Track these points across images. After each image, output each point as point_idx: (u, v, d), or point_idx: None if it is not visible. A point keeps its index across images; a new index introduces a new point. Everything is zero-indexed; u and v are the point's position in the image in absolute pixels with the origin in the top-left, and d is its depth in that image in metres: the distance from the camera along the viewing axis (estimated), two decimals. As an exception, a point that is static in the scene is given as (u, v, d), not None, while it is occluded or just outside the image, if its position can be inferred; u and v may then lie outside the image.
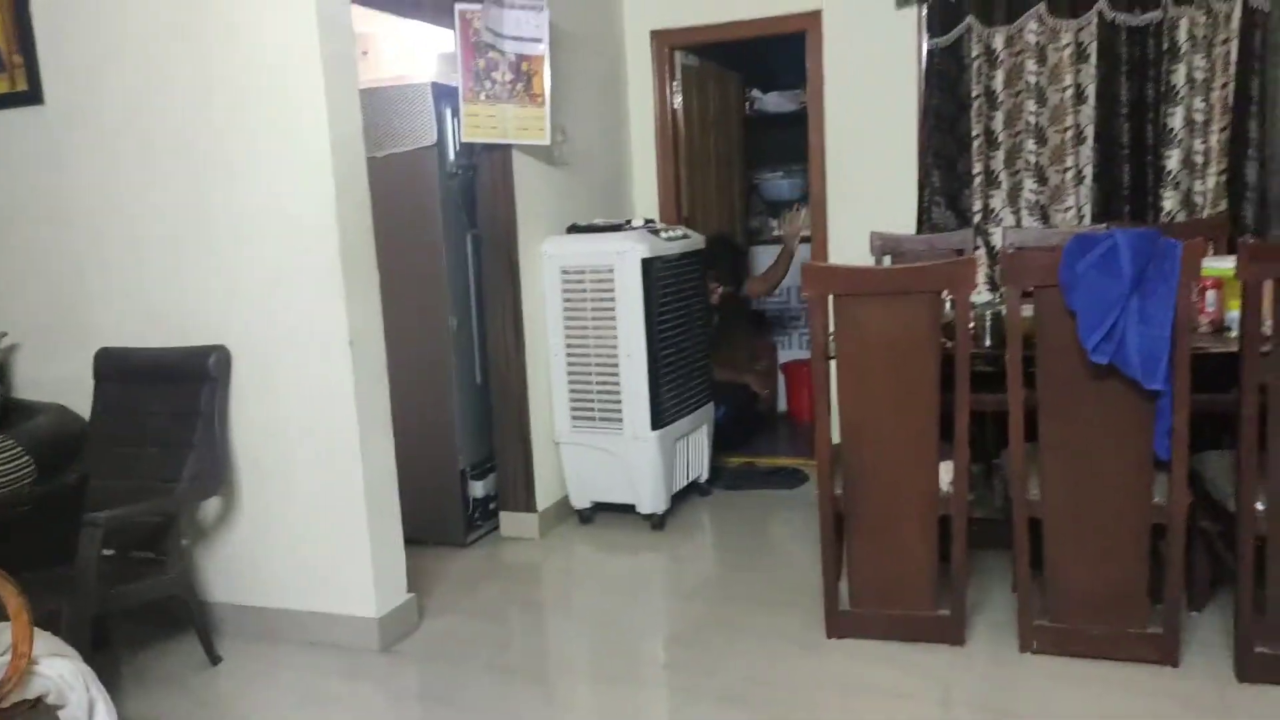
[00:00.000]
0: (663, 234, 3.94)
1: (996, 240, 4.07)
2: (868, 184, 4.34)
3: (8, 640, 1.65)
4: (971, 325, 2.95)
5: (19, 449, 2.82)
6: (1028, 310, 2.50)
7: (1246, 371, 2.27)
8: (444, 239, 3.57)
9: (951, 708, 2.36)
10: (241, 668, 2.84)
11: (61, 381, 3.12)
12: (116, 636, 3.03)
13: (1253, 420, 2.29)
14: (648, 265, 3.72)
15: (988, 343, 2.93)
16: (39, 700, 1.67)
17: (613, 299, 3.73)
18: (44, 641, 1.76)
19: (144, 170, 2.97)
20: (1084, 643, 2.53)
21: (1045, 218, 4.07)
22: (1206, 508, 2.63)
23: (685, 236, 4.10)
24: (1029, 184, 4.06)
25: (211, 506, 3.03)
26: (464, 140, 3.51)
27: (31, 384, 3.20)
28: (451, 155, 3.60)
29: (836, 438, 2.73)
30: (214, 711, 2.64)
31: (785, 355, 5.86)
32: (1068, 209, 4.02)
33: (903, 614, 2.71)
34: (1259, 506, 2.33)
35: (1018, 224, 4.08)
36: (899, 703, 2.41)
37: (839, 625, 2.76)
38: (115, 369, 3.00)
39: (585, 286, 3.79)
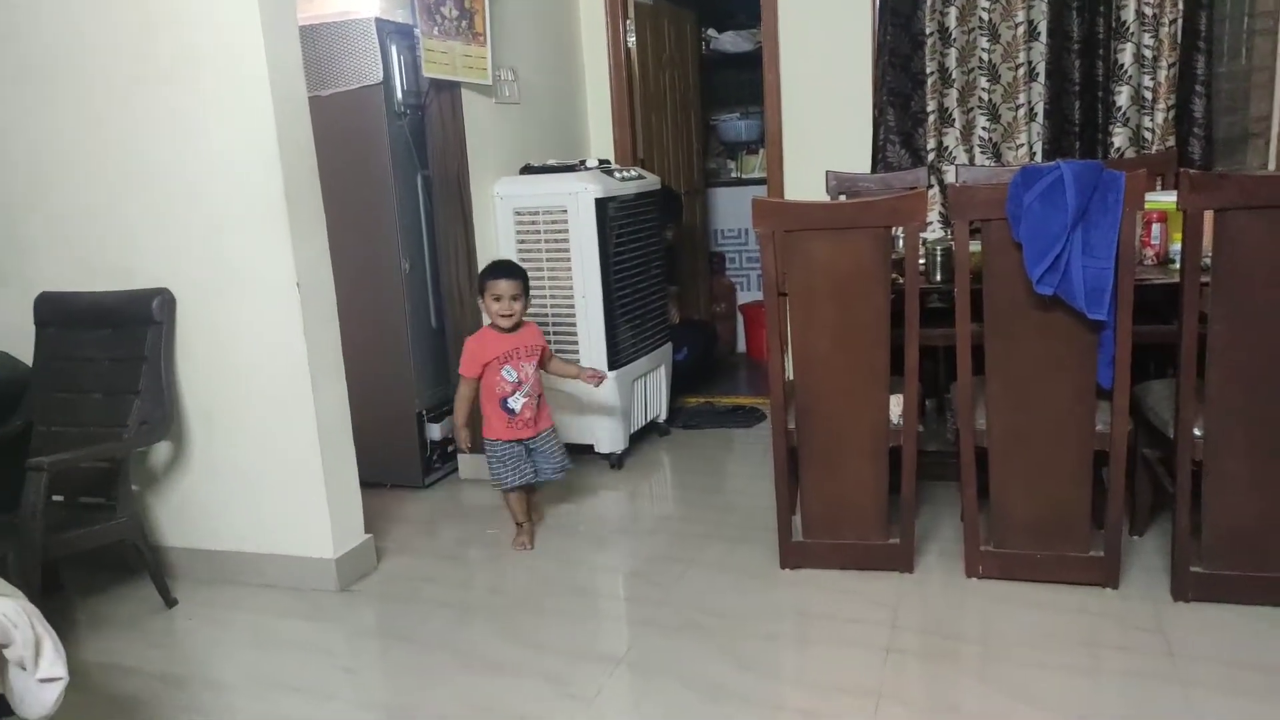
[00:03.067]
0: (617, 174, 3.91)
1: (950, 178, 4.09)
2: (823, 124, 4.33)
3: None
4: (922, 261, 2.99)
5: (-41, 396, 2.77)
6: (978, 246, 2.53)
7: (1186, 301, 2.32)
8: (394, 180, 3.51)
9: (899, 631, 2.43)
10: (197, 610, 2.84)
11: (3, 327, 3.04)
12: (71, 582, 3.01)
13: (1191, 349, 2.34)
14: (602, 205, 3.69)
15: (938, 278, 2.96)
16: None
17: (567, 240, 3.71)
18: (-14, 581, 1.73)
19: (79, 111, 2.87)
20: (1027, 567, 2.61)
21: (998, 156, 4.09)
22: (1148, 435, 2.70)
23: (640, 177, 4.07)
24: (982, 122, 4.07)
25: (161, 451, 3.00)
26: (425, 75, 3.42)
27: (-31, 330, 3.12)
28: (399, 94, 3.52)
29: (791, 373, 2.76)
30: (170, 653, 2.64)
31: (745, 297, 5.88)
32: (1020, 146, 4.04)
33: (854, 543, 2.77)
34: (1197, 433, 2.39)
35: (971, 162, 4.10)
36: (849, 627, 2.47)
37: (792, 556, 2.81)
38: (56, 314, 2.93)
39: (539, 227, 3.76)
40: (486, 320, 3.11)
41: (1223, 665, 2.17)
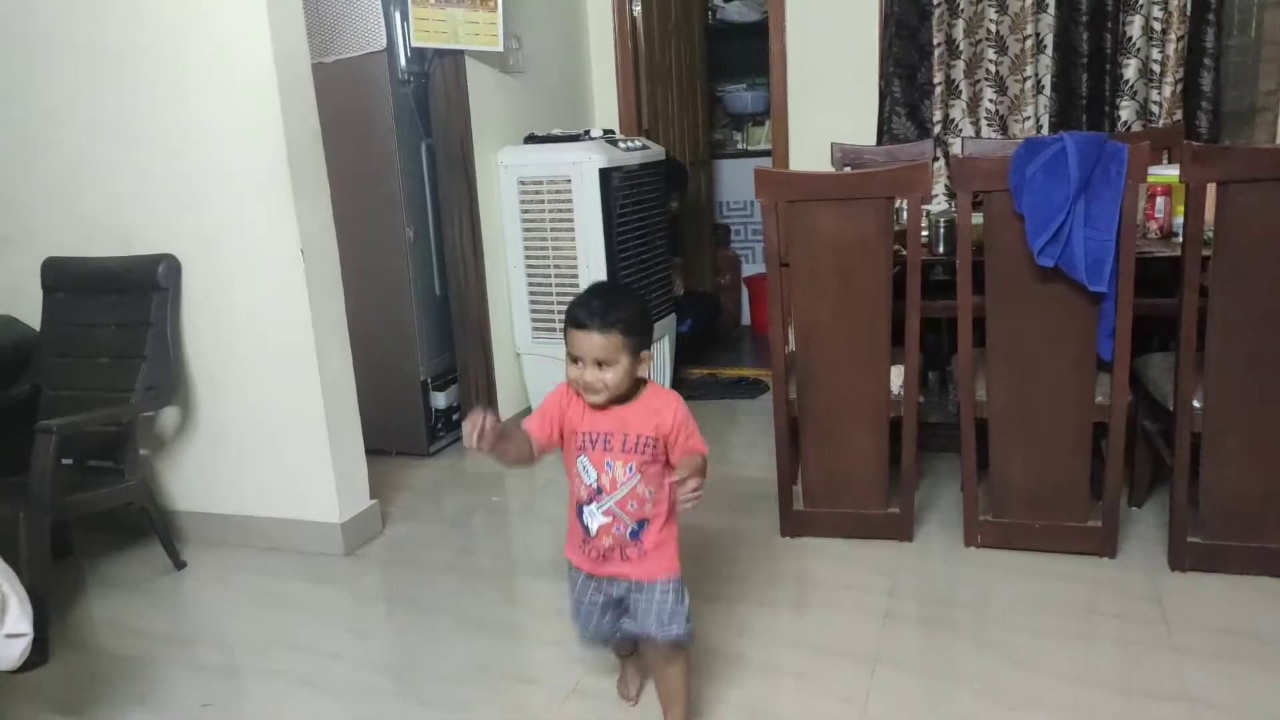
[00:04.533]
0: (621, 145, 3.90)
1: (956, 151, 4.07)
2: (829, 95, 4.31)
3: None
4: (925, 233, 2.99)
5: (-32, 360, 2.79)
6: (981, 218, 2.53)
7: (1187, 273, 2.32)
8: (397, 148, 3.51)
9: (897, 598, 2.46)
10: (206, 572, 2.88)
11: (11, 292, 3.07)
12: (81, 545, 3.05)
13: (1191, 321, 2.35)
14: (606, 176, 3.69)
15: (941, 249, 2.96)
16: None
17: (571, 210, 3.71)
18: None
19: (82, 75, 2.88)
20: (1026, 536, 2.63)
21: (1004, 128, 4.08)
22: (1147, 407, 2.71)
23: (645, 148, 4.07)
24: (989, 94, 4.05)
25: (169, 416, 3.02)
26: (414, 45, 3.42)
27: (-24, 295, 3.15)
28: (403, 62, 3.51)
29: (793, 344, 2.77)
30: (178, 614, 2.68)
31: (749, 269, 5.88)
32: (1026, 119, 4.02)
33: (854, 513, 2.79)
34: (1196, 405, 2.41)
35: (977, 134, 4.08)
36: (848, 593, 2.50)
37: (793, 524, 2.84)
38: (63, 279, 2.95)
39: (543, 197, 3.76)
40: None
41: (1217, 633, 2.20)
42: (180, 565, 2.88)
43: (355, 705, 2.17)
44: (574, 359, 1.72)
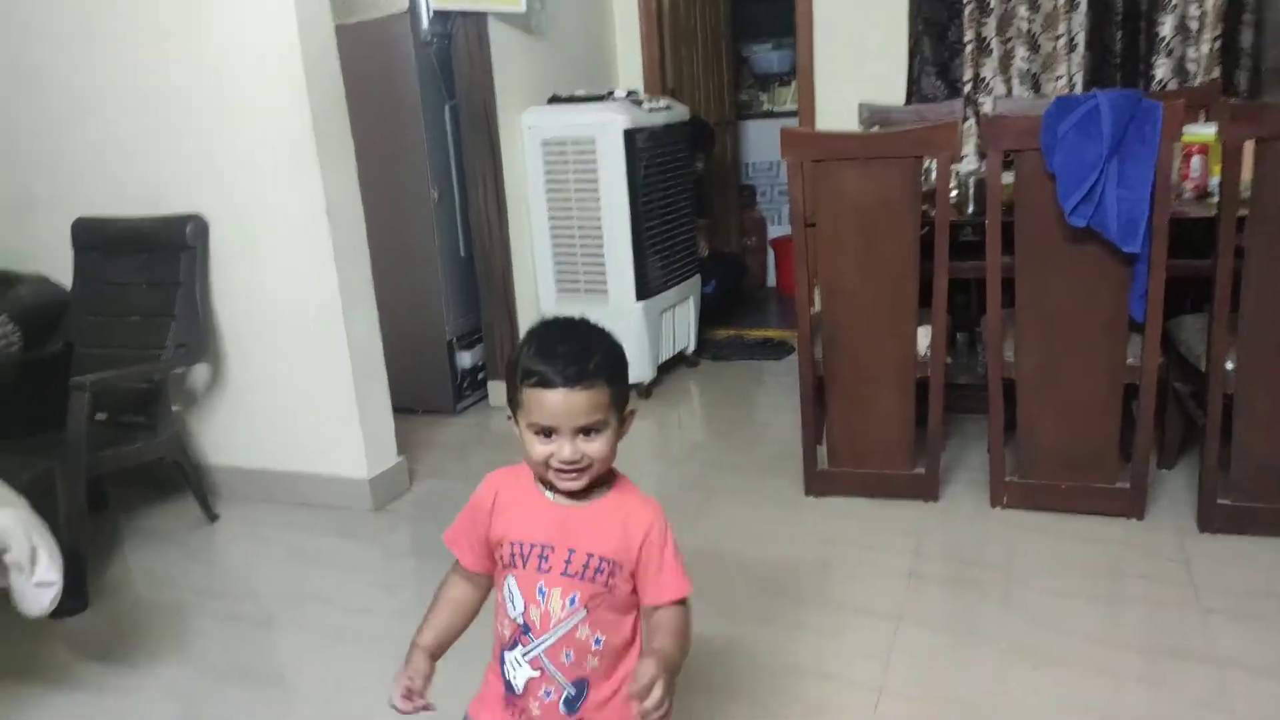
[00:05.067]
0: (646, 105, 3.87)
1: (987, 110, 4.01)
2: (857, 54, 4.24)
3: None
4: (955, 193, 2.95)
5: (4, 316, 2.84)
6: (1012, 178, 2.50)
7: (1222, 233, 2.28)
8: (421, 110, 3.51)
9: (922, 557, 2.46)
10: (238, 526, 2.93)
11: (40, 251, 3.10)
12: (116, 499, 3.11)
13: (1226, 281, 2.31)
14: (630, 137, 3.66)
15: (970, 210, 2.93)
16: None
17: (595, 171, 3.69)
18: (-11, 492, 1.83)
19: (110, 40, 2.88)
20: (1053, 497, 2.62)
21: (1036, 87, 4.01)
22: (1179, 369, 2.68)
23: (669, 108, 4.03)
24: (1021, 52, 3.97)
25: (200, 374, 3.06)
26: (436, 7, 3.39)
27: (9, 253, 3.18)
28: (425, 23, 3.49)
29: (819, 305, 2.76)
30: (212, 565, 2.73)
31: (775, 230, 5.85)
32: (1059, 78, 3.95)
33: (879, 473, 2.79)
34: (1229, 366, 2.38)
35: (1008, 93, 4.02)
36: (871, 553, 2.51)
37: (817, 484, 2.85)
38: (93, 239, 2.98)
39: (567, 158, 3.74)
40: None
41: (1244, 595, 2.19)
42: (213, 518, 2.93)
43: (384, 657, 2.20)
44: (543, 432, 1.20)
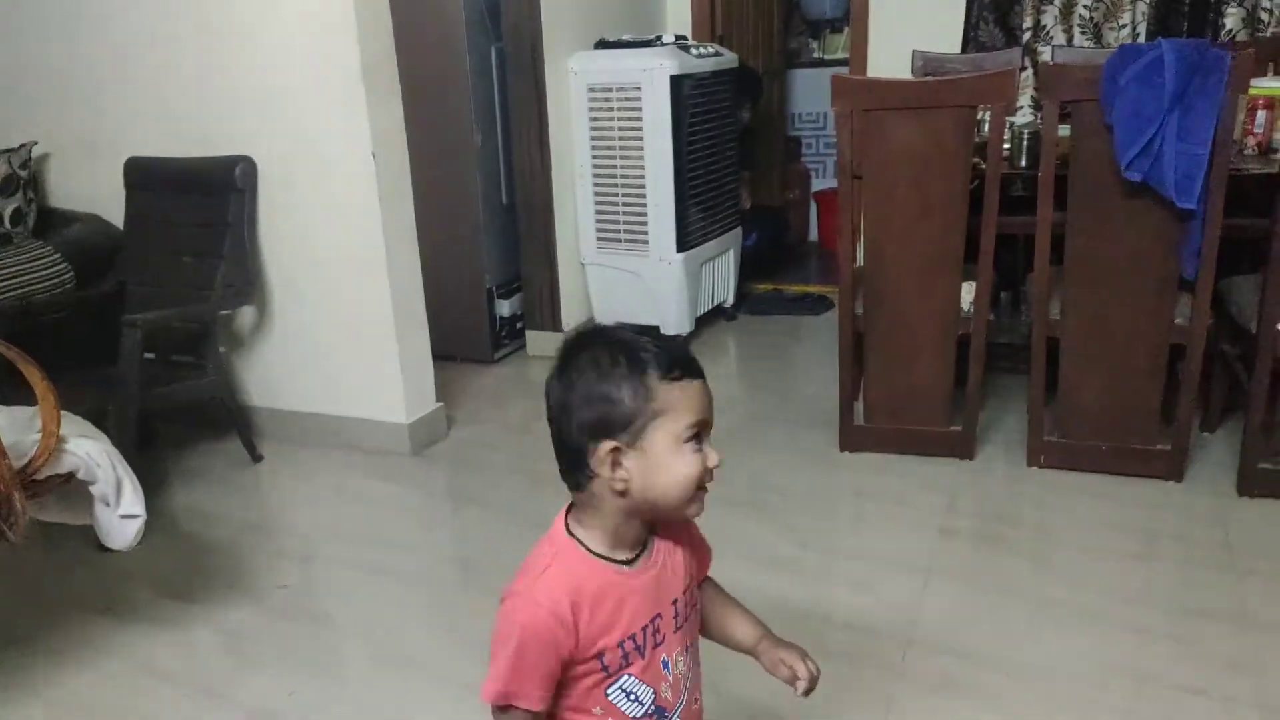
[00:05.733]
0: (693, 51, 3.81)
1: (1046, 59, 3.89)
2: (912, 0, 4.13)
3: (39, 422, 1.76)
4: (1007, 145, 2.88)
5: (58, 255, 2.91)
6: (1068, 130, 2.43)
7: (1284, 190, 2.21)
8: (467, 51, 3.49)
9: (955, 514, 2.46)
10: (281, 466, 3.00)
11: (93, 191, 3.17)
12: (164, 437, 3.20)
13: (1284, 240, 2.24)
14: (677, 83, 3.62)
15: (1022, 163, 2.86)
16: (70, 476, 1.80)
17: (640, 118, 3.66)
18: (73, 424, 1.87)
19: (161, -25, 2.91)
20: (1091, 458, 2.59)
21: (1098, 36, 3.88)
22: (1228, 331, 2.62)
23: (718, 54, 3.97)
24: (1083, -1, 3.84)
25: (246, 316, 3.12)
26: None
27: (64, 193, 3.25)
28: (473, -38, 3.46)
29: (861, 259, 2.73)
30: (256, 504, 2.81)
31: (819, 184, 5.76)
32: (1123, 26, 3.81)
33: (915, 429, 2.77)
34: (1280, 328, 2.32)
35: (1069, 43, 3.89)
36: (905, 508, 2.51)
37: (853, 439, 2.84)
38: (144, 178, 3.03)
39: (613, 104, 3.71)
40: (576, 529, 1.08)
41: (1282, 560, 2.16)
42: (257, 459, 3.01)
43: (426, 593, 2.27)
44: (695, 438, 0.99)
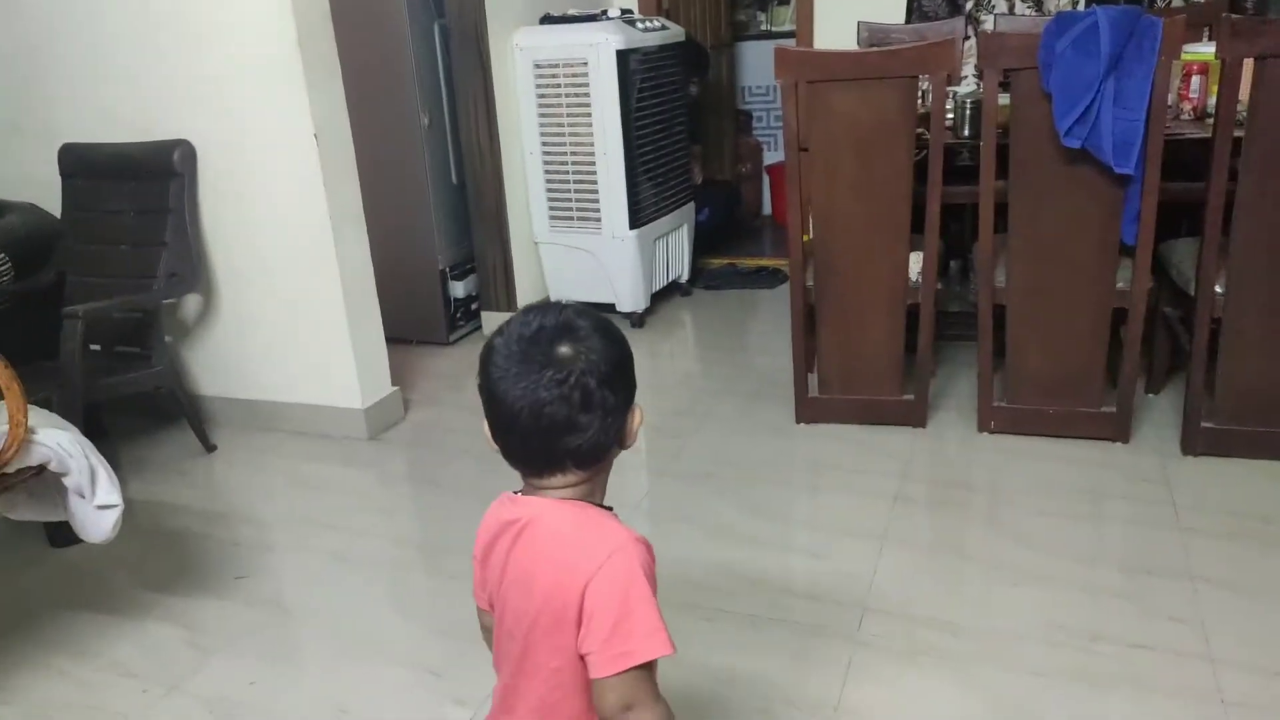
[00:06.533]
0: (640, 25, 3.79)
1: (988, 28, 3.93)
2: (857, -29, 4.14)
3: (4, 414, 1.71)
4: (950, 115, 2.92)
5: (-7, 247, 2.83)
6: (1008, 100, 2.46)
7: (1217, 153, 2.26)
8: (409, 29, 3.43)
9: (908, 481, 2.50)
10: (235, 455, 2.97)
11: (29, 179, 3.07)
12: (114, 428, 3.14)
13: (1218, 203, 2.30)
14: (624, 58, 3.60)
15: (966, 132, 2.89)
16: (41, 468, 1.75)
17: (588, 93, 3.64)
18: (41, 415, 1.83)
19: (88, -47, 2.82)
20: (1040, 421, 2.65)
21: (1039, 5, 3.93)
22: (1169, 293, 2.69)
23: (664, 28, 3.95)
24: (1023, -32, 3.88)
25: (192, 304, 3.07)
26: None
27: (-2, 182, 3.16)
28: (414, -63, 3.40)
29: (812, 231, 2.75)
30: (211, 493, 2.78)
31: (771, 157, 5.78)
32: (1062, -5, 3.87)
33: (868, 399, 2.81)
34: (1218, 290, 2.38)
35: (1010, 11, 3.94)
36: (859, 477, 2.55)
37: (808, 410, 2.87)
38: (81, 165, 2.95)
39: (559, 80, 3.68)
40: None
41: (1224, 515, 2.23)
42: (210, 448, 2.97)
43: (384, 578, 2.26)
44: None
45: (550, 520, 1.01)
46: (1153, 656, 1.78)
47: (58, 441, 1.75)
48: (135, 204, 2.85)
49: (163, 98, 2.86)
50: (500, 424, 1.00)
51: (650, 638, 0.96)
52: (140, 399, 3.01)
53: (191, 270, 2.87)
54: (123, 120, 2.92)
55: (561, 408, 0.96)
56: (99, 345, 2.83)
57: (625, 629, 0.95)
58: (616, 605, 0.96)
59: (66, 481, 1.77)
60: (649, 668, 0.98)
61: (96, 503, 1.81)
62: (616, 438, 1.01)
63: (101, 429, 3.07)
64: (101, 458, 1.83)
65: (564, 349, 0.96)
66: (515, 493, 1.07)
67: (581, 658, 0.98)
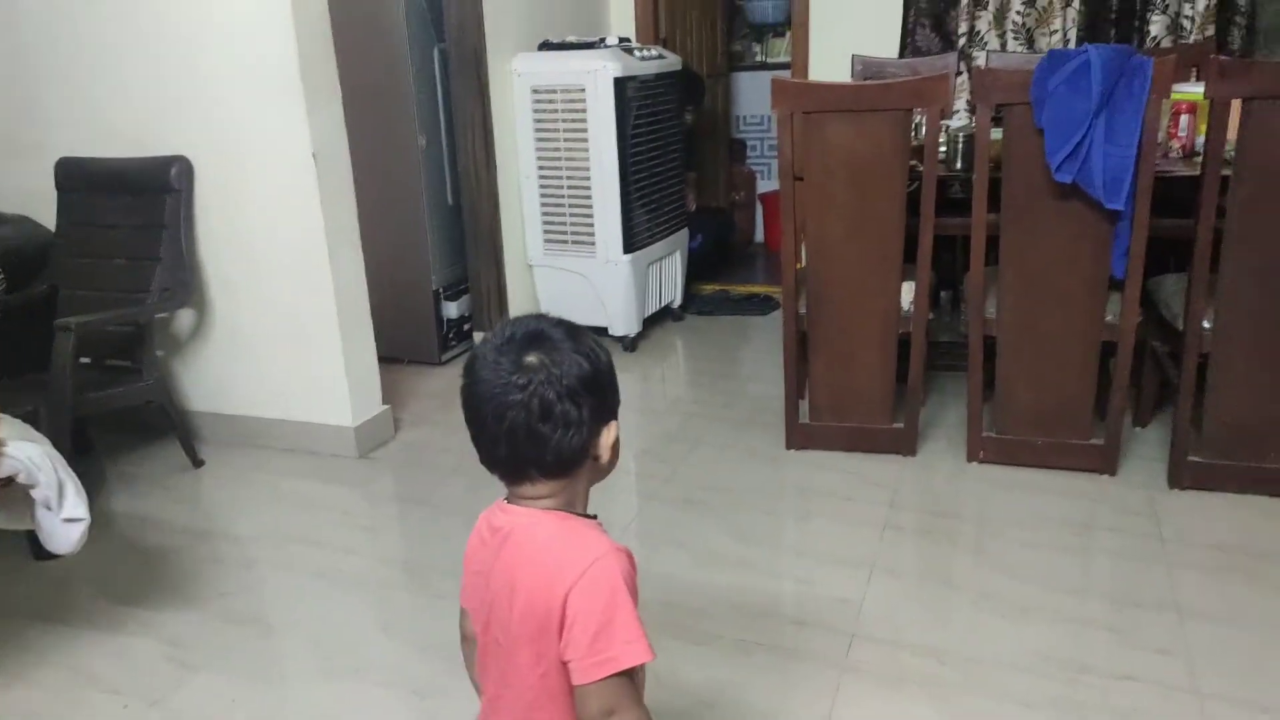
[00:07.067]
0: (637, 53, 3.83)
1: (980, 64, 3.99)
2: (852, 6, 4.21)
3: None
4: (943, 149, 2.95)
5: (-13, 259, 2.82)
6: (1001, 134, 2.49)
7: (1205, 190, 2.29)
8: (410, 52, 3.46)
9: (897, 509, 2.50)
10: (223, 471, 2.95)
11: (24, 192, 3.07)
12: (101, 443, 3.13)
13: (1207, 240, 2.33)
14: (621, 85, 3.64)
15: (958, 165, 2.93)
16: (10, 480, 1.75)
17: (585, 120, 3.67)
18: (12, 427, 1.82)
19: (92, -31, 2.84)
20: (1028, 452, 2.66)
21: (1031, 42, 3.99)
22: (1157, 328, 2.71)
23: (661, 57, 3.99)
24: (1016, 5, 3.94)
25: (185, 319, 3.06)
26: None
27: (-8, 195, 3.16)
28: (415, -38, 3.44)
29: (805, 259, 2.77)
30: (196, 508, 2.76)
31: (765, 186, 5.82)
32: (1054, 32, 3.93)
33: (858, 427, 2.82)
34: (1206, 325, 2.40)
35: (1003, 48, 3.99)
36: (849, 505, 2.55)
37: (798, 437, 2.88)
38: (77, 179, 2.96)
39: (557, 106, 3.71)
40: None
41: (1210, 549, 2.24)
42: (198, 464, 2.95)
43: (370, 597, 2.25)
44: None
45: (532, 530, 1.03)
46: (1138, 688, 1.78)
47: (28, 455, 1.76)
48: (131, 219, 2.86)
49: (161, 113, 2.88)
50: (471, 427, 1.02)
51: (631, 645, 0.97)
52: (129, 413, 3.00)
53: (185, 285, 2.88)
54: (120, 135, 2.93)
55: (520, 414, 0.97)
56: (90, 358, 2.82)
57: (606, 636, 0.97)
58: (598, 613, 0.97)
59: (34, 494, 1.78)
60: (630, 674, 0.99)
61: (63, 515, 1.82)
62: (583, 452, 1.01)
63: (88, 444, 3.06)
64: (71, 472, 1.84)
65: (530, 358, 0.98)
66: (505, 500, 1.09)
67: (563, 665, 0.99)
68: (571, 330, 1.03)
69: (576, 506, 1.07)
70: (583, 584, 0.97)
